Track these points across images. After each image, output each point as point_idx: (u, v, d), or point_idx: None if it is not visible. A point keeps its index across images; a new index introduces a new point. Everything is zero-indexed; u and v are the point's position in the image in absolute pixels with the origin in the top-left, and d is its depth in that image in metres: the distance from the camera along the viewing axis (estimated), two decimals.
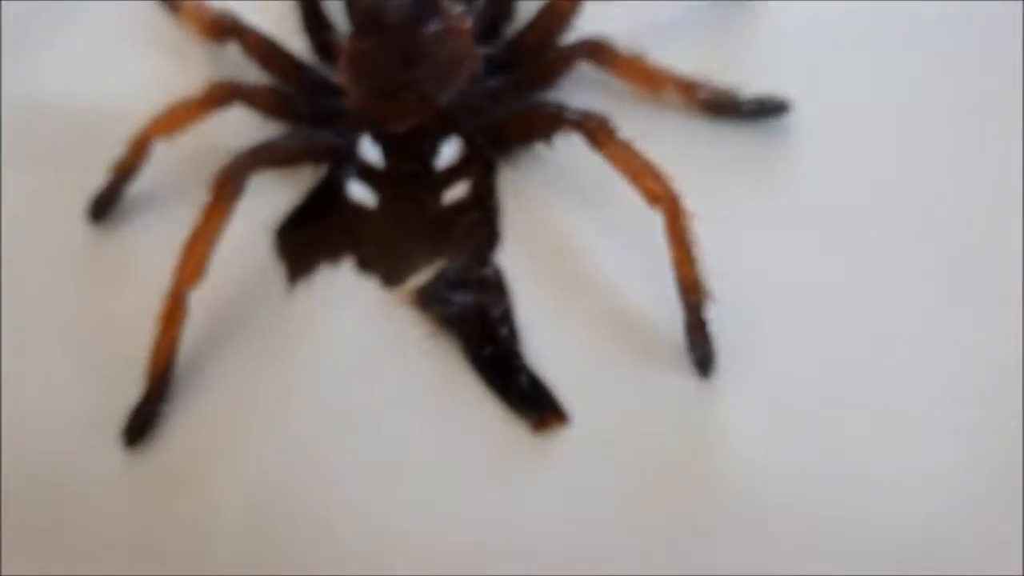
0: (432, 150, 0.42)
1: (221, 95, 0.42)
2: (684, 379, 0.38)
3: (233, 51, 0.45)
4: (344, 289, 0.41)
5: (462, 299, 0.40)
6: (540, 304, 0.40)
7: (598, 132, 0.39)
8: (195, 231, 0.39)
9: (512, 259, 0.41)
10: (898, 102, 0.43)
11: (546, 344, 0.39)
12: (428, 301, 0.40)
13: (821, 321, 0.39)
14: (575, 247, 0.41)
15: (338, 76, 0.43)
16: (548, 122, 0.40)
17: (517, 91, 0.43)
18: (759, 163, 0.42)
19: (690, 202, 0.37)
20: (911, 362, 0.38)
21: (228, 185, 0.39)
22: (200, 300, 0.39)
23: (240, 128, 0.44)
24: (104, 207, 0.44)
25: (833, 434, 0.37)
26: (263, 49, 0.44)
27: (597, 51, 0.42)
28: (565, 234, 0.41)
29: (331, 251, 0.42)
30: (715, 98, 0.42)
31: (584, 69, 0.42)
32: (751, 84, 0.42)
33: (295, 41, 0.45)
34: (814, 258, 0.40)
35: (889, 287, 0.40)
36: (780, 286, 0.39)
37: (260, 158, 0.40)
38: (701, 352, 0.38)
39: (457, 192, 0.42)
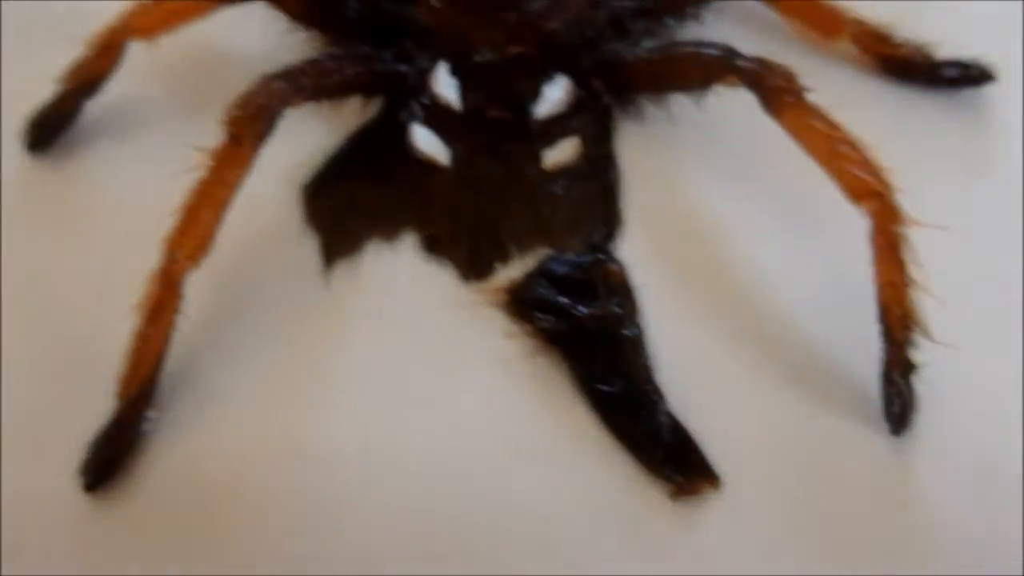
0: (531, 91, 0.31)
1: None
2: (868, 432, 0.29)
3: None
4: (402, 280, 0.30)
5: (577, 308, 0.29)
6: (674, 321, 0.29)
7: (781, 92, 0.28)
8: (200, 186, 0.27)
9: (635, 251, 0.30)
10: None
11: (686, 378, 0.29)
12: (526, 306, 0.29)
13: None
14: (721, 242, 0.31)
15: None
16: (704, 68, 0.29)
17: (647, 19, 0.32)
18: (953, 145, 0.33)
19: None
20: None
21: (253, 122, 0.27)
22: (196, 283, 0.28)
23: (254, 32, 0.31)
24: (49, 131, 0.31)
25: None
26: None
27: None
28: (710, 224, 0.31)
29: (385, 223, 0.30)
30: (905, 56, 0.33)
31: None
32: (943, 42, 0.33)
33: None
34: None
35: None
36: (987, 314, 0.30)
37: (299, 84, 0.28)
38: (899, 403, 0.28)
39: (562, 153, 0.31)
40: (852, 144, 0.28)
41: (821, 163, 0.28)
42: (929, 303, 0.28)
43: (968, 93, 0.33)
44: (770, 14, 0.33)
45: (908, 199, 0.28)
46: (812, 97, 0.29)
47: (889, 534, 0.28)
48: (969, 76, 0.32)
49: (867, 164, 0.28)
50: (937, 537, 0.28)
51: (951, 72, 0.32)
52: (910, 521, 0.28)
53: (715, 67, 0.29)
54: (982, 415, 0.29)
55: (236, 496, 0.28)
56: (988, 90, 0.33)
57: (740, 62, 0.29)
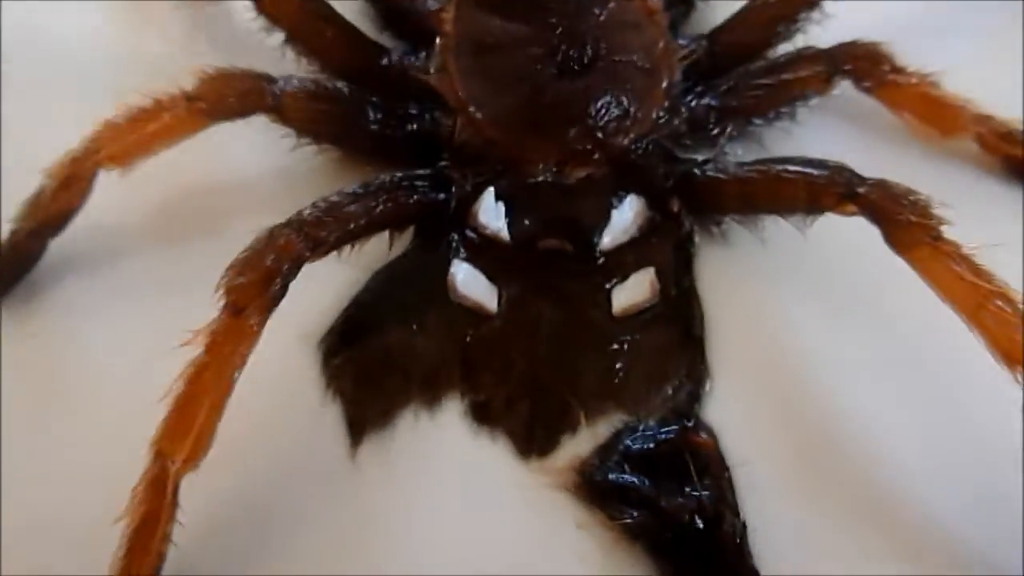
0: (597, 216, 0.25)
1: (227, 100, 0.24)
2: None
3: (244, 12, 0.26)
4: (446, 456, 0.24)
5: (662, 494, 0.24)
6: (782, 502, 0.24)
7: (914, 229, 0.23)
8: (194, 374, 0.22)
9: (730, 416, 0.25)
10: None
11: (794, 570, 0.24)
12: (600, 491, 0.24)
13: None
14: (837, 397, 0.25)
15: (437, 75, 0.25)
16: (815, 193, 0.24)
17: (729, 120, 0.26)
18: None
19: None
20: None
21: (260, 290, 0.22)
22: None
23: (252, 147, 0.26)
24: (5, 280, 0.26)
25: None
26: (298, 11, 0.25)
27: (870, 64, 0.26)
28: (819, 371, 0.25)
29: (422, 387, 0.25)
30: None
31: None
32: None
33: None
34: None
35: None
36: None
37: (316, 239, 0.22)
38: None
39: (636, 290, 0.25)
40: (1004, 297, 0.22)
41: (963, 315, 0.23)
42: None
43: None
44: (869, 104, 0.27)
45: None
46: (957, 240, 0.23)
47: None
48: None
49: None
50: None
51: None
52: None
53: (829, 193, 0.24)
54: None
55: None
56: None
57: (862, 189, 0.23)
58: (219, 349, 0.22)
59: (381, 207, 0.24)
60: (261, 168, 0.26)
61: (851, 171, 0.23)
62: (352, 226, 0.23)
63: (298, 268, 0.22)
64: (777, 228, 0.26)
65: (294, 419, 0.25)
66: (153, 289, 0.25)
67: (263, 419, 0.25)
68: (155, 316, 0.25)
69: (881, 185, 0.23)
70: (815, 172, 0.24)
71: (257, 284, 0.21)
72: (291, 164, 0.26)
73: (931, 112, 0.26)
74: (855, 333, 0.26)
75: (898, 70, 0.26)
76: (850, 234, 0.25)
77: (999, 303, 0.23)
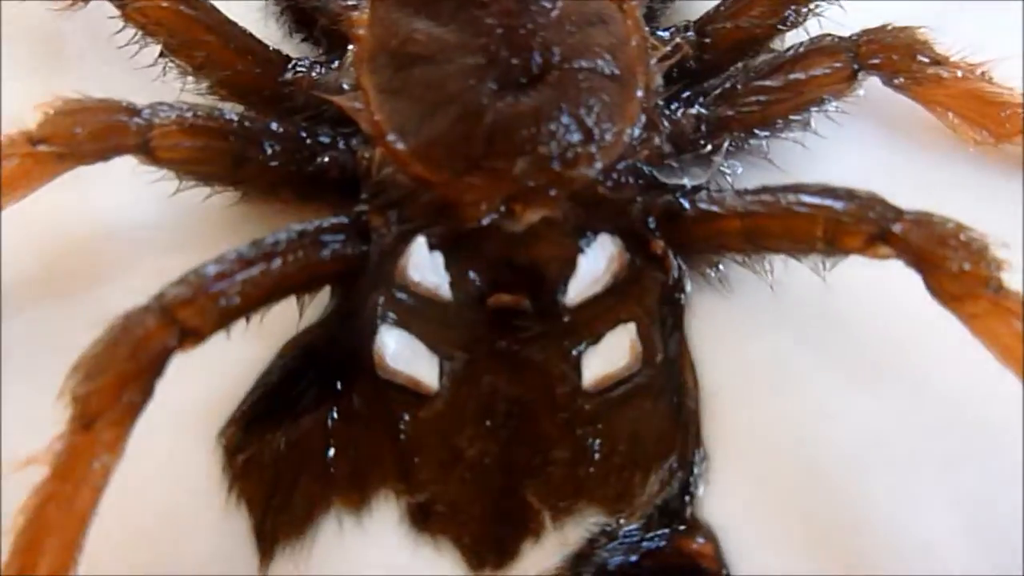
0: (561, 264, 0.20)
1: (88, 144, 0.19)
2: None
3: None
4: (377, 570, 0.19)
5: None
6: None
7: (966, 279, 0.17)
8: (39, 500, 0.17)
9: (731, 506, 0.20)
10: None
11: None
12: None
13: None
14: (855, 471, 0.20)
15: (349, 94, 0.20)
16: (839, 232, 0.18)
17: (728, 134, 0.21)
18: None
19: None
20: None
21: (115, 395, 0.17)
22: None
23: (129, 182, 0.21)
24: None
25: None
26: (175, 17, 0.20)
27: (900, 54, 0.20)
28: (833, 443, 0.20)
29: (346, 487, 0.20)
30: None
31: None
32: None
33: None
34: None
35: None
36: None
37: (193, 326, 0.17)
38: None
39: (612, 354, 0.20)
40: None
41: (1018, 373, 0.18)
42: None
43: None
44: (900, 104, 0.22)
45: None
46: (1012, 282, 0.18)
47: None
48: None
49: None
50: None
51: None
52: None
53: (856, 231, 0.18)
54: None
55: None
56: None
57: (898, 227, 0.18)
58: (66, 473, 0.17)
59: (280, 271, 0.18)
60: (143, 213, 0.21)
61: (884, 203, 0.18)
62: (237, 301, 0.18)
63: (163, 364, 0.17)
64: (788, 271, 0.21)
65: (190, 532, 0.20)
66: (30, 357, 0.20)
67: (150, 531, 0.20)
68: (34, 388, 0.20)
69: (923, 222, 0.18)
70: (838, 205, 0.18)
71: (109, 390, 0.16)
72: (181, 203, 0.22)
73: (982, 112, 0.21)
74: (887, 401, 0.20)
75: (940, 61, 0.20)
76: (880, 278, 0.20)
77: None
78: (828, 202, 0.19)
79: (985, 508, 0.20)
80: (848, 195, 0.18)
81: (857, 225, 0.18)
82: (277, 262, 0.18)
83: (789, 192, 0.19)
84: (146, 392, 0.17)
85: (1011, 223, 0.22)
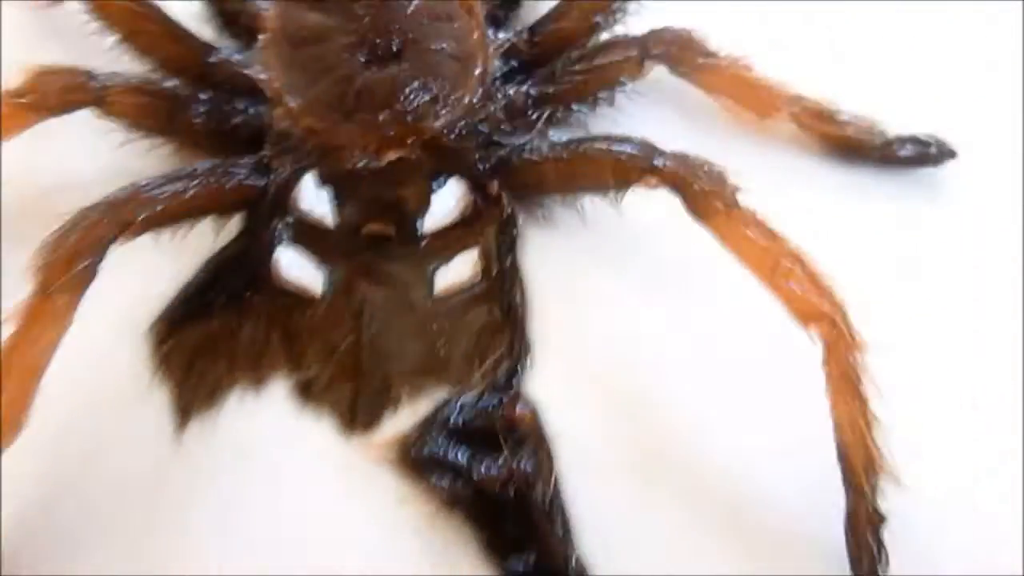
0: (418, 200, 0.26)
1: (57, 93, 0.25)
2: None
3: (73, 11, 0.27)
4: (271, 434, 0.25)
5: (479, 464, 0.24)
6: (593, 468, 0.25)
7: (711, 196, 0.24)
8: (6, 351, 0.22)
9: (546, 387, 0.26)
10: None
11: (616, 547, 0.24)
12: (419, 463, 0.24)
13: None
14: (654, 371, 0.26)
15: (258, 69, 0.26)
16: (621, 169, 0.25)
17: (550, 107, 0.27)
18: (908, 232, 0.28)
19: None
20: None
21: (66, 270, 0.22)
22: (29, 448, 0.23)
23: (88, 140, 0.27)
24: None
25: None
26: (128, 14, 0.27)
27: (680, 50, 0.27)
28: (637, 347, 0.26)
29: (248, 368, 0.25)
30: (854, 136, 0.28)
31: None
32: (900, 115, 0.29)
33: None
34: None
35: None
36: (972, 463, 0.25)
37: (124, 219, 0.23)
38: (869, 562, 0.23)
39: (458, 271, 0.26)
40: (796, 259, 0.23)
41: (761, 279, 0.24)
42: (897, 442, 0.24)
43: (922, 172, 0.29)
44: (694, 93, 0.28)
45: (860, 306, 0.24)
46: (747, 200, 0.24)
47: None
48: (927, 155, 0.28)
49: (815, 282, 0.23)
50: None
51: (907, 151, 0.28)
52: None
53: (632, 167, 0.25)
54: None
55: None
56: (945, 169, 0.29)
57: (660, 161, 0.24)
58: (28, 328, 0.22)
59: (195, 191, 0.24)
60: (98, 166, 0.27)
61: (653, 146, 0.24)
62: (162, 208, 0.23)
63: (105, 248, 0.22)
64: (597, 209, 0.27)
65: (122, 405, 0.25)
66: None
67: (91, 404, 0.25)
68: None
69: (679, 157, 0.24)
70: (620, 148, 0.25)
71: (63, 263, 0.22)
72: (129, 163, 0.27)
73: (746, 95, 0.27)
74: (676, 303, 0.26)
75: (710, 55, 0.27)
76: (666, 210, 0.26)
77: (791, 265, 0.23)
78: (613, 147, 0.25)
79: (761, 381, 0.25)
80: (628, 141, 0.25)
81: (633, 162, 0.24)
82: (196, 183, 0.24)
83: (586, 141, 0.25)
84: (91, 270, 0.22)
85: (773, 177, 0.28)
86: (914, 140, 0.28)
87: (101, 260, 0.22)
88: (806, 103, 0.27)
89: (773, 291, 0.23)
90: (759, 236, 0.24)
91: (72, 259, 0.22)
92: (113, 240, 0.22)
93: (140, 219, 0.23)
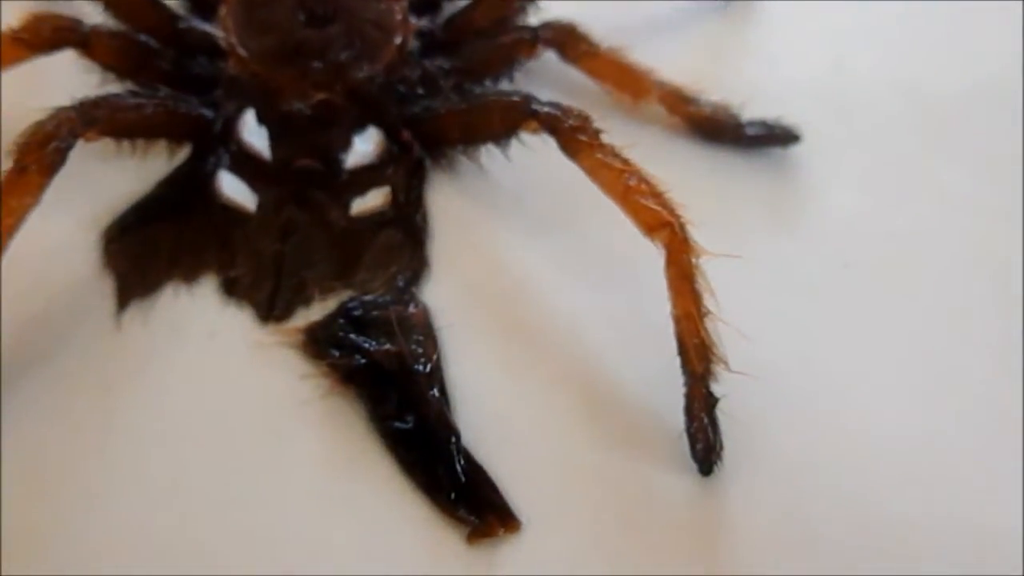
0: (341, 142, 0.31)
1: (46, 33, 0.30)
2: (677, 474, 0.27)
3: None
4: (200, 320, 0.29)
5: (372, 345, 0.28)
6: (480, 362, 0.29)
7: (576, 132, 0.29)
8: None
9: (442, 297, 0.30)
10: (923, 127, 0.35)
11: (489, 418, 0.28)
12: (322, 345, 0.28)
13: (846, 395, 0.29)
14: (528, 285, 0.30)
15: (220, 28, 0.32)
16: (508, 116, 0.30)
17: (459, 78, 0.33)
18: (757, 204, 0.33)
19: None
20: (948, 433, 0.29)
21: (42, 149, 0.27)
22: None
23: (73, 84, 0.31)
24: None
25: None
26: None
27: (565, 39, 0.32)
28: (514, 266, 0.31)
29: (184, 266, 0.30)
30: (711, 116, 0.33)
31: (545, 65, 0.33)
32: (752, 101, 0.34)
33: None
34: (830, 315, 0.31)
35: (926, 350, 0.30)
36: (791, 352, 0.30)
37: (92, 117, 0.28)
38: (704, 440, 0.27)
39: (371, 201, 0.31)
40: (643, 179, 0.28)
41: (616, 199, 0.28)
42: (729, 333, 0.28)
43: (773, 153, 0.34)
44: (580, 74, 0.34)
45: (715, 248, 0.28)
46: (607, 138, 0.29)
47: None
48: (774, 136, 0.33)
49: (658, 197, 0.28)
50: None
51: (756, 132, 0.33)
52: (718, 561, 0.27)
53: (516, 113, 0.30)
54: (786, 444, 0.28)
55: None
56: (796, 149, 0.34)
57: (538, 107, 0.29)
58: (6, 197, 0.27)
59: (153, 110, 0.29)
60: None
61: (532, 96, 0.30)
62: (125, 116, 0.28)
63: (74, 137, 0.27)
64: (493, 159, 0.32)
65: (75, 291, 0.29)
66: None
67: (50, 289, 0.29)
68: None
69: (553, 104, 0.29)
70: (506, 98, 0.30)
71: (37, 145, 0.27)
72: None
73: (622, 79, 0.33)
74: (551, 234, 0.31)
75: (592, 44, 0.32)
76: (549, 160, 0.31)
77: (638, 184, 0.28)
78: (502, 97, 0.30)
79: (621, 286, 0.30)
80: (512, 93, 0.30)
81: (516, 109, 0.29)
82: (156, 102, 0.29)
83: (479, 95, 0.31)
84: (61, 154, 0.27)
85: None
86: (763, 123, 0.33)
87: (70, 147, 0.27)
88: (670, 88, 0.33)
89: (624, 208, 0.28)
90: (615, 163, 0.28)
91: (45, 142, 0.27)
92: (81, 132, 0.27)
93: (105, 120, 0.28)
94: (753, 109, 0.34)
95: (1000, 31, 0.38)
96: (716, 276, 0.28)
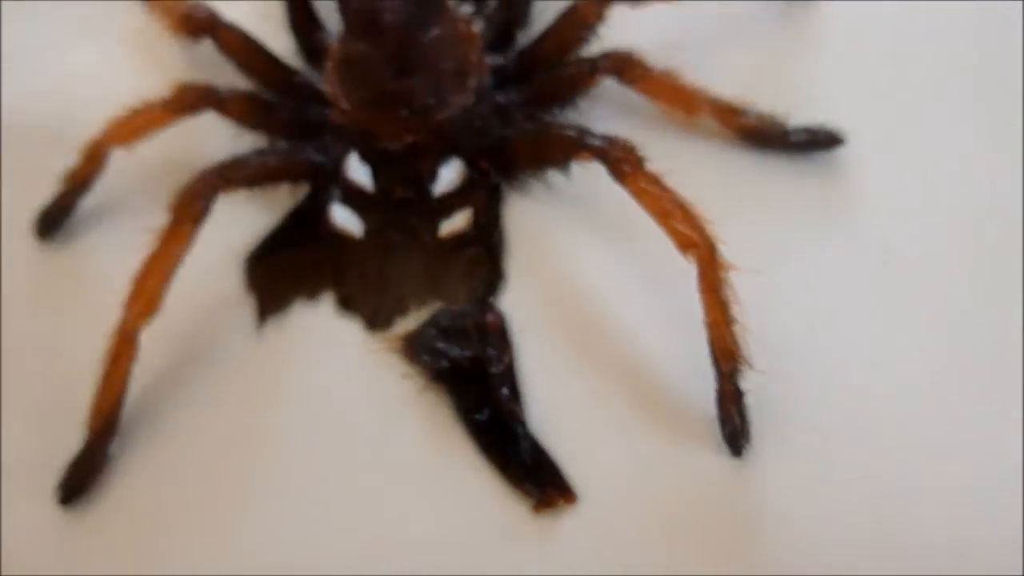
0: (430, 173, 0.36)
1: (190, 99, 0.36)
2: (713, 455, 0.33)
3: (208, 50, 0.39)
4: (322, 330, 0.36)
5: (457, 351, 0.34)
6: (548, 360, 0.34)
7: (623, 162, 0.33)
8: (150, 257, 0.33)
9: (517, 305, 0.35)
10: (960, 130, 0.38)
11: (554, 408, 0.34)
12: (417, 350, 0.34)
13: (873, 388, 0.33)
14: (591, 294, 0.36)
15: (325, 83, 0.37)
16: (565, 147, 0.35)
17: (529, 109, 0.37)
18: (806, 203, 0.37)
19: (727, 247, 0.32)
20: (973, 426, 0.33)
21: (192, 205, 0.34)
22: (156, 336, 0.34)
23: (212, 138, 0.38)
24: (53, 222, 0.38)
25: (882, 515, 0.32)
26: (242, 48, 0.38)
27: (623, 66, 0.36)
28: (580, 278, 0.36)
29: (309, 285, 0.36)
30: (759, 126, 0.37)
31: (608, 87, 0.37)
32: (800, 109, 0.37)
33: (279, 41, 0.40)
34: (864, 316, 0.35)
35: (949, 350, 0.34)
36: (823, 348, 0.34)
37: (231, 176, 0.34)
38: (733, 427, 0.32)
39: (456, 223, 0.36)
40: (680, 203, 0.32)
41: (656, 220, 0.33)
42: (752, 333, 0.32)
43: (822, 156, 0.37)
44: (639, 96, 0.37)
45: (748, 247, 0.32)
46: (650, 166, 0.33)
47: (734, 545, 0.32)
48: (818, 141, 0.36)
49: (691, 219, 0.32)
50: (777, 543, 0.31)
51: (801, 138, 0.36)
52: (752, 533, 0.32)
53: (571, 145, 0.34)
54: (808, 430, 0.33)
55: (186, 514, 0.34)
56: (840, 152, 0.37)
57: (589, 140, 0.34)
58: (165, 244, 0.33)
59: (276, 162, 0.36)
60: (222, 149, 0.38)
61: (585, 129, 0.34)
62: (255, 171, 0.35)
63: (215, 193, 0.33)
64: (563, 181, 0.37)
65: (226, 309, 0.37)
66: (143, 230, 0.35)
67: (206, 307, 0.36)
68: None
69: (603, 137, 0.34)
70: (563, 132, 0.35)
71: (188, 202, 0.33)
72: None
73: (676, 97, 0.36)
74: (611, 246, 0.36)
75: (647, 68, 0.36)
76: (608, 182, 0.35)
77: (676, 208, 0.32)
78: (559, 130, 0.35)
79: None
80: (569, 126, 0.35)
81: (572, 141, 0.34)
82: (278, 156, 0.36)
83: (542, 127, 0.36)
84: (206, 207, 0.33)
85: (697, 159, 0.37)
86: (807, 130, 0.36)
87: (213, 202, 0.34)
88: (720, 102, 0.36)
89: (663, 228, 0.32)
90: (656, 189, 0.32)
91: (193, 200, 0.33)
92: (222, 189, 0.34)
93: (240, 176, 0.35)
94: (804, 112, 0.37)
95: None
96: (758, 276, 0.32)
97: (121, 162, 0.38)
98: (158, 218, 0.34)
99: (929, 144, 0.38)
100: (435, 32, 0.36)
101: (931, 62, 0.40)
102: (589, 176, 0.35)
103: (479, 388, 0.33)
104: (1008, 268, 0.35)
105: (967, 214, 0.36)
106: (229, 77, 0.39)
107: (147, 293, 0.33)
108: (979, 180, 0.37)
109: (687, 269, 0.32)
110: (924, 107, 0.38)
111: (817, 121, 0.37)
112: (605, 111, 0.38)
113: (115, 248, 0.38)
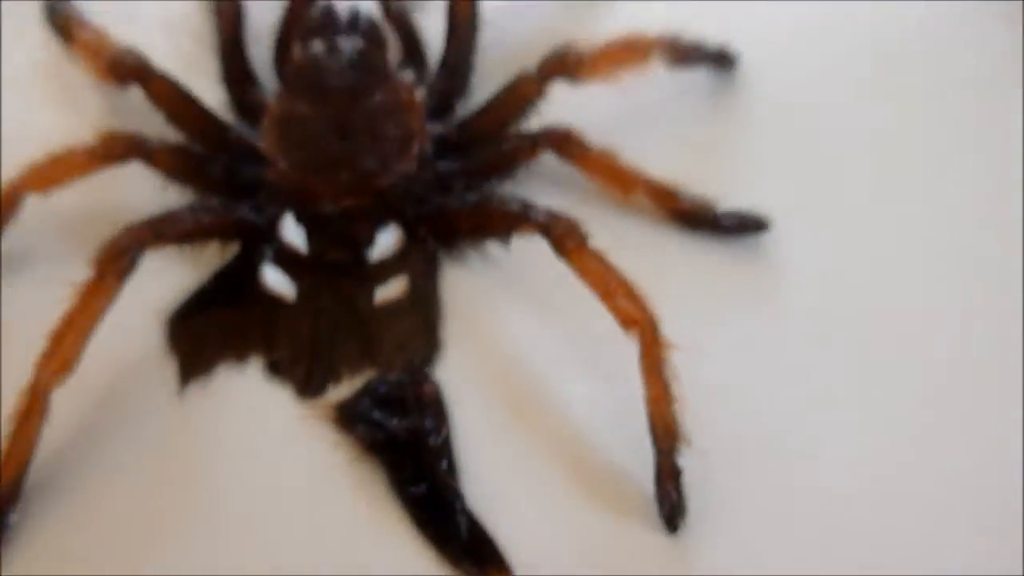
0: (367, 238, 0.36)
1: (118, 149, 0.35)
2: (650, 532, 0.32)
3: (138, 98, 0.38)
4: (249, 395, 0.35)
5: (392, 421, 0.33)
6: (485, 433, 0.34)
7: (566, 238, 0.33)
8: (69, 313, 0.32)
9: (454, 375, 0.35)
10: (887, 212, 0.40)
11: (490, 483, 0.33)
12: (350, 420, 0.33)
13: (807, 467, 0.34)
14: (527, 366, 0.35)
15: (263, 141, 0.37)
16: (508, 220, 0.35)
17: (469, 179, 0.37)
18: (734, 284, 0.38)
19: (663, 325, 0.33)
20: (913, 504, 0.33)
21: (118, 260, 0.32)
22: (69, 397, 0.32)
23: (139, 189, 0.37)
24: None
25: None
26: (173, 99, 0.37)
27: (562, 142, 0.37)
28: (516, 350, 0.36)
29: (236, 348, 0.35)
30: (691, 209, 0.38)
31: (547, 161, 0.38)
32: (732, 191, 0.38)
33: (212, 93, 0.39)
34: (797, 394, 0.36)
35: (885, 428, 0.35)
36: (758, 424, 0.35)
37: (162, 231, 0.33)
38: (670, 504, 0.32)
39: (392, 290, 0.36)
40: (622, 281, 0.33)
41: (599, 297, 0.33)
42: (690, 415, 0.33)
43: (751, 239, 0.39)
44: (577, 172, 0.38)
45: (680, 324, 0.33)
46: (593, 242, 0.34)
47: None
48: (745, 225, 0.38)
49: (634, 297, 0.33)
50: None
51: (730, 222, 0.38)
52: None
53: (514, 218, 0.34)
54: (743, 508, 0.33)
55: None
56: (768, 236, 0.38)
57: (533, 214, 0.34)
58: (85, 300, 0.32)
59: (209, 219, 0.35)
60: (144, 202, 0.37)
61: (529, 203, 0.34)
62: (186, 227, 0.34)
63: (143, 248, 0.32)
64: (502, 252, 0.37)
65: (144, 370, 0.35)
66: (57, 281, 0.34)
67: (123, 367, 0.35)
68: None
69: (547, 212, 0.34)
70: (507, 205, 0.35)
71: (113, 257, 0.32)
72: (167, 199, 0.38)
73: (613, 176, 0.37)
74: (546, 318, 0.36)
75: (586, 146, 0.37)
76: (546, 255, 0.35)
77: (618, 286, 0.33)
78: (503, 204, 0.35)
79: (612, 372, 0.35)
80: (514, 200, 0.35)
81: (515, 214, 0.34)
82: (211, 213, 0.35)
83: (484, 200, 0.36)
84: (132, 262, 0.32)
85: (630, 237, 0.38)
86: (736, 214, 0.38)
87: (139, 257, 0.32)
88: (655, 184, 0.37)
89: (606, 304, 0.33)
90: (599, 266, 0.33)
91: (120, 254, 0.32)
92: (149, 244, 0.32)
93: (169, 232, 0.33)
94: (732, 198, 0.39)
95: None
96: (695, 348, 0.32)
97: (37, 207, 0.36)
98: (76, 270, 0.32)
99: (853, 221, 0.39)
100: (379, 97, 0.36)
101: (854, 140, 0.41)
102: (526, 247, 0.35)
103: (416, 460, 0.33)
104: (934, 338, 0.36)
105: (892, 291, 0.38)
106: (152, 124, 0.38)
107: (63, 350, 0.32)
108: (901, 259, 0.39)
109: (624, 343, 0.33)
110: (848, 185, 0.40)
111: (745, 200, 0.38)
112: (541, 184, 0.39)
113: (28, 300, 0.36)
